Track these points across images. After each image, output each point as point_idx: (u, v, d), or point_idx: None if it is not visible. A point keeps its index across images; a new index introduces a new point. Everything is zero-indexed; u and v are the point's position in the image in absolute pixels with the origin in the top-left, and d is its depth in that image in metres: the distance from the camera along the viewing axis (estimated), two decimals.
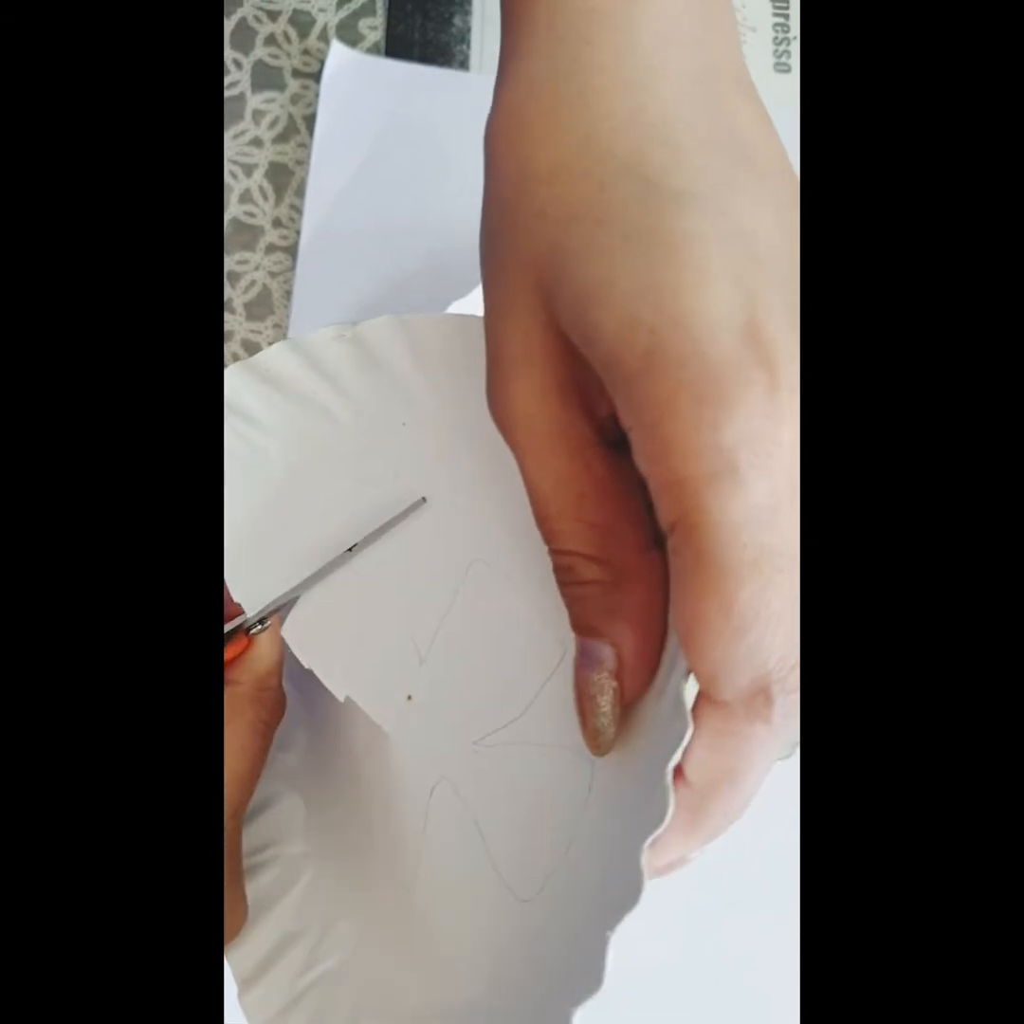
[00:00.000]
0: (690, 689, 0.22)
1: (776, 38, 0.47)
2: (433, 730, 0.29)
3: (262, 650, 0.29)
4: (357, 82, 0.46)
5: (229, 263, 0.45)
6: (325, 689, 0.30)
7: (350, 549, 0.29)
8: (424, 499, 0.29)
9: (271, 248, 0.46)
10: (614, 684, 0.23)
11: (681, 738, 0.21)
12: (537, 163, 0.22)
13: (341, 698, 0.30)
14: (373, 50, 0.47)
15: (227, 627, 0.29)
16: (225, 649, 0.28)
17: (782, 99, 0.46)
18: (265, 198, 0.46)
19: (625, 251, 0.21)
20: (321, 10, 0.48)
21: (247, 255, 0.46)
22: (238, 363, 0.30)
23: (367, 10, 0.48)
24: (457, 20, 0.48)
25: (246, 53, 0.47)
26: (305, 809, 0.31)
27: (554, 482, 0.23)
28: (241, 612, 0.29)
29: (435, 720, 0.29)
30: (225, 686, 0.28)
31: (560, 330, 0.22)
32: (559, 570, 0.24)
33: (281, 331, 0.45)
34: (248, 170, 0.46)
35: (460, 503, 0.29)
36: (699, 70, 0.22)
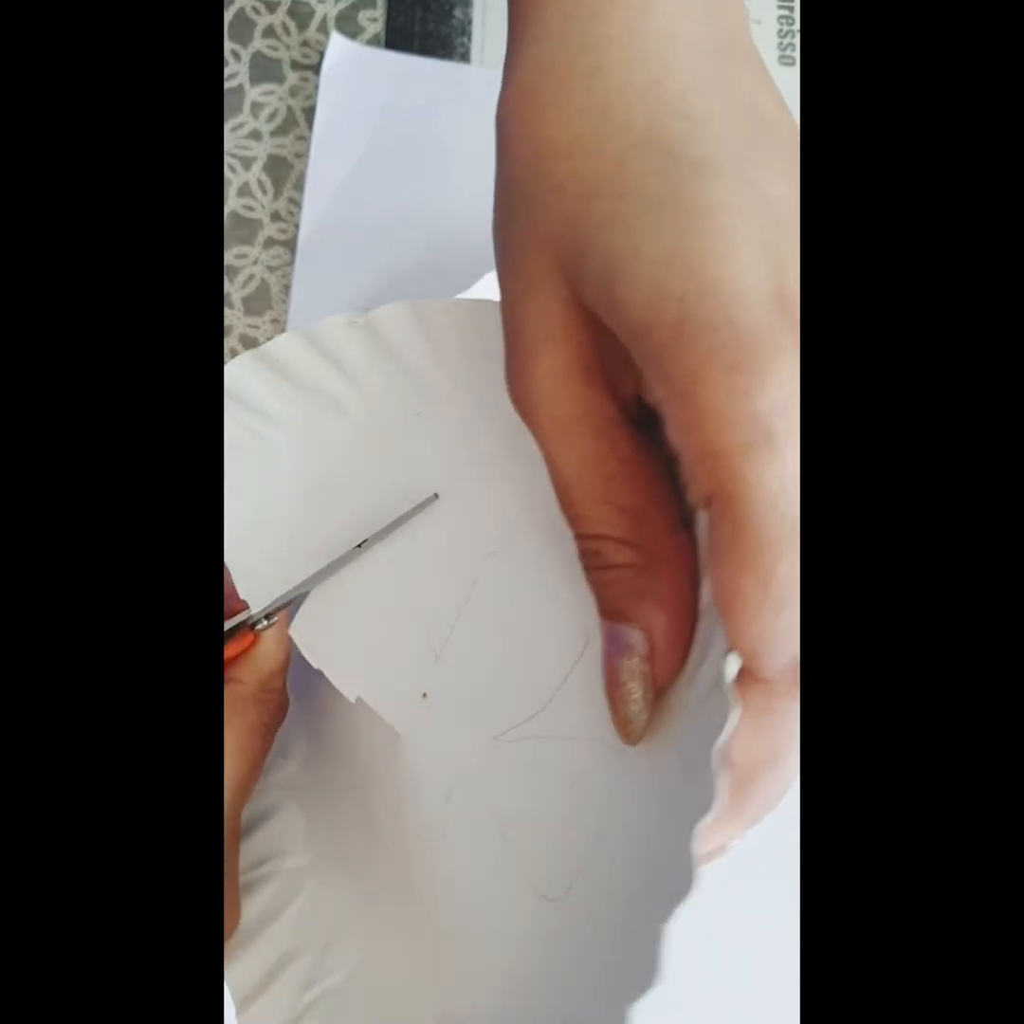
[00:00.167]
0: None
1: (781, 31, 0.47)
2: (450, 728, 0.28)
3: (268, 648, 0.28)
4: (357, 74, 0.46)
5: (227, 257, 0.45)
6: (327, 693, 0.29)
7: (359, 545, 0.29)
8: (436, 495, 0.28)
9: (270, 242, 0.45)
10: (645, 669, 0.23)
11: (722, 721, 0.20)
12: (553, 140, 0.22)
13: (352, 699, 0.29)
14: (373, 42, 0.47)
15: (232, 622, 0.28)
16: (230, 645, 0.28)
17: (787, 91, 0.45)
18: (264, 191, 0.46)
19: (650, 222, 0.20)
20: (320, 1, 0.47)
21: (245, 249, 0.45)
22: (247, 352, 0.29)
23: (367, 2, 0.47)
24: (458, 12, 0.47)
25: (244, 45, 0.47)
26: (305, 820, 0.30)
27: (580, 464, 0.23)
28: (246, 608, 0.29)
29: (452, 718, 0.28)
30: (227, 685, 0.27)
31: (583, 307, 0.22)
32: (586, 555, 0.24)
33: (279, 326, 0.44)
34: (246, 163, 0.46)
35: (475, 494, 0.28)
36: (711, 43, 0.22)
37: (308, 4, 0.47)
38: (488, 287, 0.39)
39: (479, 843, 0.27)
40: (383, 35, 0.47)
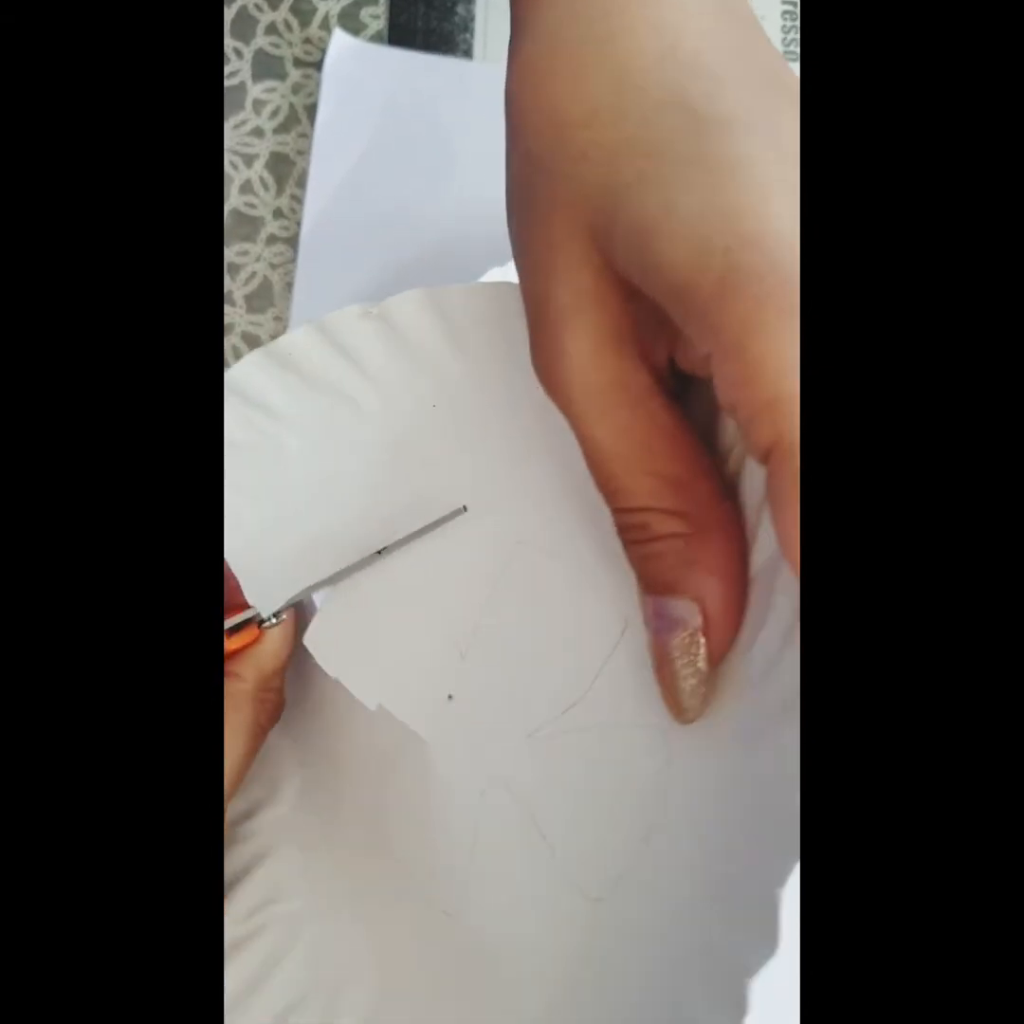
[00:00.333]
0: None
1: (785, 27, 0.47)
2: (479, 729, 0.26)
3: (272, 646, 0.27)
4: (359, 71, 0.45)
5: (229, 255, 0.45)
6: (327, 717, 0.28)
7: (380, 552, 0.27)
8: (465, 508, 0.27)
9: (272, 239, 0.45)
10: (700, 641, 0.22)
11: (789, 691, 0.19)
12: (569, 109, 0.22)
13: (372, 707, 0.27)
14: (375, 39, 0.47)
15: (240, 617, 0.27)
16: (233, 639, 0.27)
17: None
18: (266, 189, 0.45)
19: (682, 179, 0.20)
20: None
21: (247, 246, 0.45)
22: (258, 349, 0.28)
23: None
24: (460, 8, 0.47)
25: (246, 42, 0.46)
26: (302, 861, 0.28)
27: (617, 437, 0.22)
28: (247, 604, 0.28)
29: (480, 718, 0.26)
30: (226, 679, 0.27)
31: (613, 275, 0.21)
32: (629, 529, 0.23)
33: (282, 323, 0.44)
34: (249, 160, 0.46)
35: (498, 484, 0.27)
36: (717, 9, 0.22)
37: (310, 1, 0.47)
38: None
39: (517, 851, 0.25)
40: (386, 32, 0.47)
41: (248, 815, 0.29)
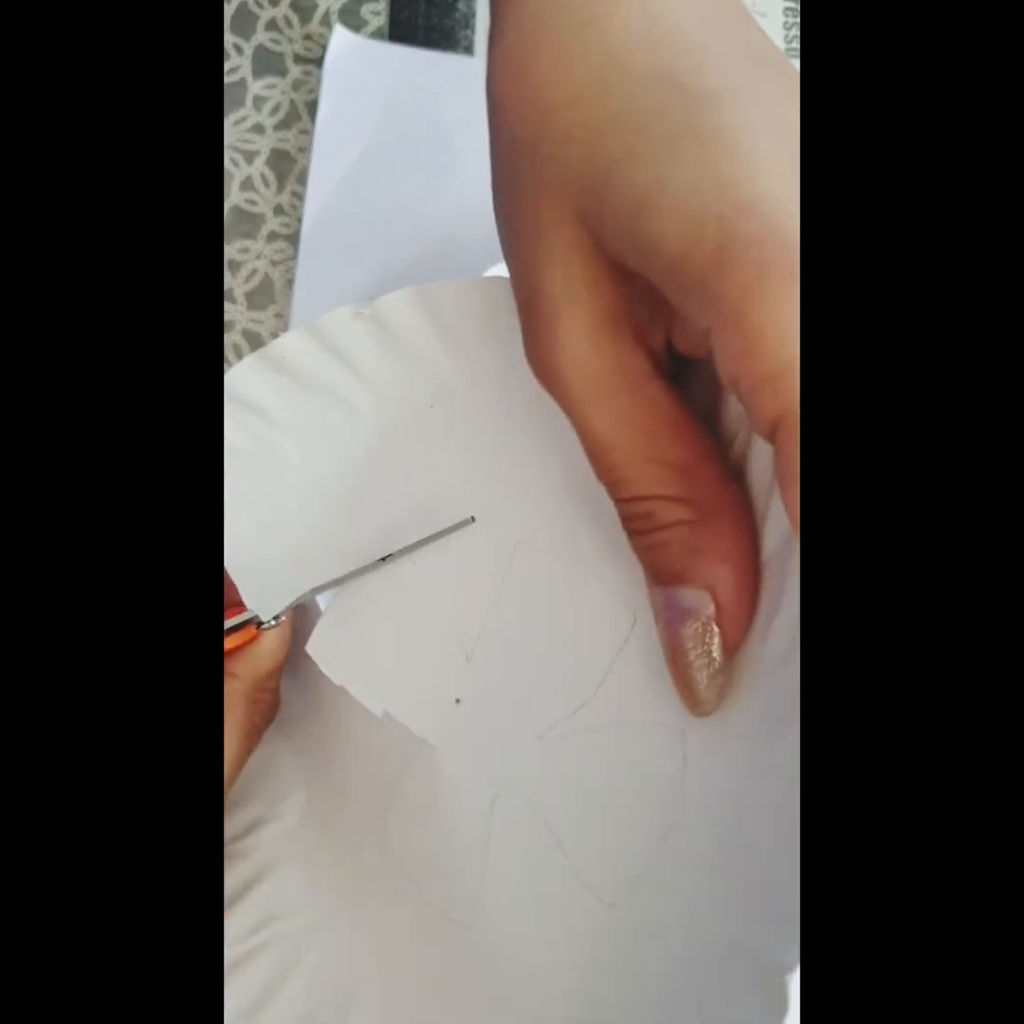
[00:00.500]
0: None
1: (786, 23, 0.46)
2: (488, 732, 0.26)
3: (269, 646, 0.27)
4: (360, 67, 0.45)
5: (230, 252, 0.45)
6: (332, 728, 0.28)
7: (383, 559, 0.27)
8: (472, 518, 0.27)
9: (273, 236, 0.45)
10: (714, 630, 0.22)
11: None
12: (552, 92, 0.21)
13: (379, 713, 0.27)
14: (376, 35, 0.46)
15: (238, 619, 0.27)
16: (231, 638, 0.27)
17: None
18: (266, 185, 0.45)
19: (672, 152, 0.20)
20: None
21: (248, 243, 0.45)
22: (252, 354, 0.27)
23: None
24: (461, 5, 0.47)
25: (247, 38, 0.46)
26: (304, 877, 0.28)
27: (617, 424, 0.22)
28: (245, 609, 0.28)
29: (489, 721, 0.26)
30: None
31: (605, 258, 0.21)
32: (634, 519, 0.22)
33: (283, 321, 0.44)
34: (249, 157, 0.45)
35: (497, 484, 0.27)
36: None
37: None
38: None
39: (530, 857, 0.25)
40: (386, 28, 0.47)
41: (250, 830, 0.28)
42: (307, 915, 0.27)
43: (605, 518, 0.24)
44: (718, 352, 0.19)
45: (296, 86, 0.46)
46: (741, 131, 0.19)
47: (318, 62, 0.46)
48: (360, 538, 0.28)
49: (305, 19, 0.46)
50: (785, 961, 0.19)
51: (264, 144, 0.46)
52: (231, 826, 0.28)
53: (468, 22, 0.47)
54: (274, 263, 0.45)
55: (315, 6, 0.47)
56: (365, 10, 0.47)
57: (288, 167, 0.45)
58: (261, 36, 0.46)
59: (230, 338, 0.44)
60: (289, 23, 0.46)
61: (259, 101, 0.46)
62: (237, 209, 0.45)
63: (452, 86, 0.45)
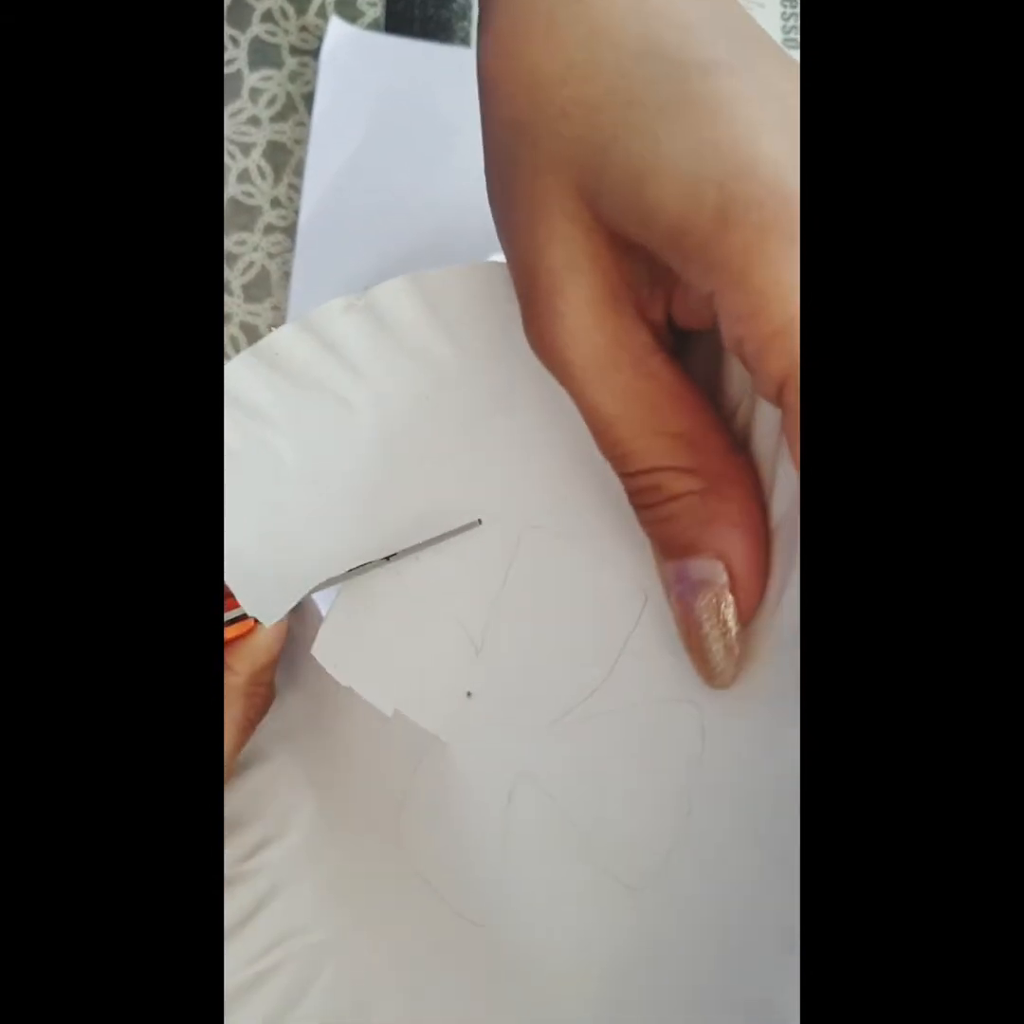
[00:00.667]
0: None
1: (784, 13, 0.46)
2: (501, 725, 0.26)
3: (265, 639, 0.27)
4: (356, 59, 0.45)
5: (227, 244, 0.44)
6: (336, 735, 0.27)
7: (388, 558, 0.26)
8: (479, 521, 0.26)
9: (269, 228, 0.45)
10: (729, 599, 0.21)
11: None
12: (544, 70, 0.22)
13: (388, 712, 0.26)
14: (373, 27, 0.46)
15: (238, 612, 0.27)
16: (228, 630, 0.26)
17: None
18: (263, 178, 0.45)
19: (667, 121, 0.20)
20: None
21: (245, 236, 0.45)
22: (246, 350, 0.27)
23: None
24: None
25: (243, 30, 0.46)
26: (319, 887, 0.27)
27: (622, 398, 0.22)
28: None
29: (502, 713, 0.26)
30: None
31: (604, 232, 0.21)
32: (641, 493, 0.22)
33: (280, 313, 0.44)
34: (246, 149, 0.45)
35: (498, 471, 0.26)
36: None
37: None
38: None
39: (551, 849, 0.24)
40: (383, 20, 0.47)
41: (259, 849, 0.28)
42: (321, 930, 0.27)
43: (610, 500, 0.23)
44: (722, 315, 0.19)
45: (292, 78, 0.46)
46: (734, 97, 0.20)
47: (314, 54, 0.46)
48: (360, 535, 0.27)
49: (301, 11, 0.46)
50: None
51: (260, 136, 0.45)
52: (239, 846, 0.28)
53: (465, 13, 0.47)
54: (271, 255, 0.44)
55: None
56: (361, 1, 0.47)
57: (285, 159, 0.45)
58: (257, 28, 0.46)
59: (227, 331, 0.44)
60: (285, 15, 0.46)
61: (255, 93, 0.46)
62: (234, 201, 0.45)
63: (449, 78, 0.45)
